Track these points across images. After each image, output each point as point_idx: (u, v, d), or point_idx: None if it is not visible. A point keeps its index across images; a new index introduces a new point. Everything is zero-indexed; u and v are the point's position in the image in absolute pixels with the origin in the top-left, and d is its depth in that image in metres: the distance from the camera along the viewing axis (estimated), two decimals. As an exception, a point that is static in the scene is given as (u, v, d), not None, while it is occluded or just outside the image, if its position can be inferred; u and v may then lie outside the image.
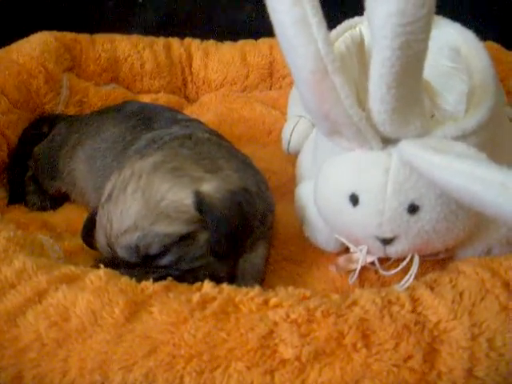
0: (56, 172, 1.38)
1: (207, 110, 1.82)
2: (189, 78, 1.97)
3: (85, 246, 1.07)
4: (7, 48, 1.58)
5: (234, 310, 0.79)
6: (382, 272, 0.99)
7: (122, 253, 0.90)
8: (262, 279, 1.07)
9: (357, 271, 0.98)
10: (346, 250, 1.04)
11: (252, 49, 1.96)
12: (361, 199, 0.86)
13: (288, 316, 0.79)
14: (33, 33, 1.66)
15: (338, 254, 1.09)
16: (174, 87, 1.91)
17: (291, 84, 1.84)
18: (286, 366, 0.74)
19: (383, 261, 0.99)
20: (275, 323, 0.78)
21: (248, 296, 0.82)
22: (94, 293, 0.79)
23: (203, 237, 0.91)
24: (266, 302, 0.82)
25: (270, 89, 1.98)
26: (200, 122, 1.37)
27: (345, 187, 0.88)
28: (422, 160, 0.76)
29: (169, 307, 0.78)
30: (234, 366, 0.73)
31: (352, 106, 0.77)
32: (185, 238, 0.90)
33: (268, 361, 0.74)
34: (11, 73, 1.46)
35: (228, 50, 1.97)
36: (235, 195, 0.93)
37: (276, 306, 0.81)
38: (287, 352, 0.75)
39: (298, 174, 1.30)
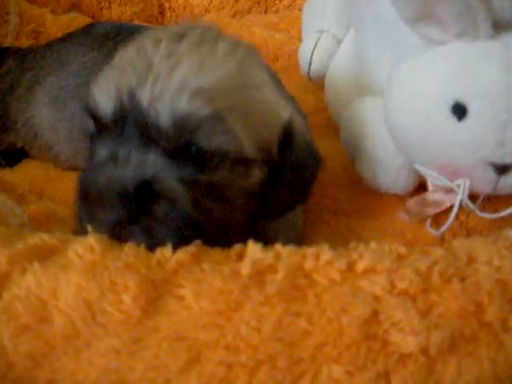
0: (7, 122, 1.10)
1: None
2: (166, 5, 1.67)
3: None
4: None
5: (309, 283, 0.53)
6: (481, 214, 0.71)
7: (159, 117, 0.60)
8: (303, 239, 0.83)
9: (452, 215, 0.71)
10: (416, 191, 0.81)
11: (239, -34, 1.68)
12: (470, 109, 0.65)
13: (393, 285, 0.53)
14: None
15: (399, 198, 0.83)
16: (149, 15, 1.64)
17: (289, 7, 1.61)
18: (407, 364, 0.48)
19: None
20: (377, 298, 0.51)
21: (322, 260, 0.53)
22: (86, 273, 0.50)
23: (256, 175, 0.67)
24: (350, 267, 0.54)
25: (265, 13, 1.69)
26: None
27: (443, 95, 0.67)
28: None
29: (208, 287, 0.50)
30: (327, 373, 0.47)
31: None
32: (242, 163, 0.65)
33: (379, 359, 0.48)
34: None
35: (211, -32, 1.68)
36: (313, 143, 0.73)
37: (367, 271, 0.53)
38: (406, 342, 0.48)
39: (332, 101, 1.03)
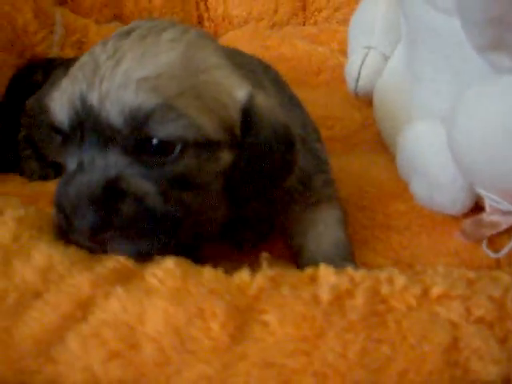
0: None
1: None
2: (205, 15, 1.68)
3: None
4: None
5: (387, 309, 0.53)
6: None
7: (110, 116, 0.60)
8: (352, 255, 0.80)
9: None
10: (472, 211, 0.81)
11: (278, -22, 1.65)
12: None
13: (470, 312, 0.53)
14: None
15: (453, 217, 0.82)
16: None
17: (328, 19, 1.61)
18: (488, 392, 0.47)
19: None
20: (454, 325, 0.52)
21: (397, 285, 0.54)
22: (172, 299, 0.50)
23: (226, 158, 0.65)
24: (425, 293, 0.55)
25: (304, 24, 1.68)
26: None
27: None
28: None
29: (291, 312, 0.50)
30: (412, 400, 0.46)
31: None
32: (207, 147, 0.63)
33: (461, 386, 0.47)
34: None
35: (249, -20, 1.66)
36: (288, 127, 0.69)
37: (441, 296, 0.54)
38: (487, 371, 0.48)
39: (382, 119, 1.02)
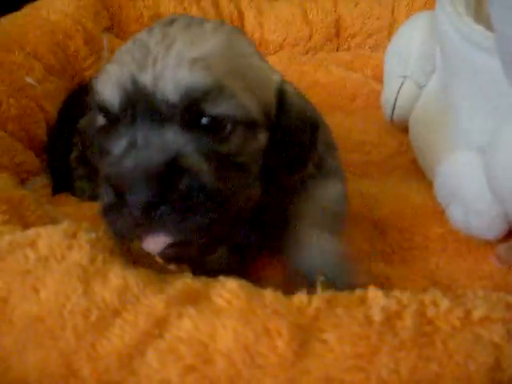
0: None
1: (273, 74, 1.54)
2: None
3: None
4: (34, 4, 1.31)
5: (434, 330, 0.58)
6: None
7: (166, 93, 0.62)
8: (347, 277, 0.77)
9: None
10: (506, 237, 0.85)
11: (313, 5, 1.70)
12: None
13: (510, 334, 0.56)
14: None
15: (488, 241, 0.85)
16: None
17: (361, 44, 1.66)
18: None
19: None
20: (497, 346, 0.56)
21: (442, 307, 0.59)
22: (240, 318, 0.56)
23: (263, 138, 0.70)
24: (467, 315, 0.59)
25: (337, 50, 1.73)
26: None
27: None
28: None
29: (347, 331, 0.56)
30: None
31: None
32: (251, 127, 0.68)
33: (505, 402, 0.51)
34: (44, 33, 1.20)
35: (284, 6, 1.72)
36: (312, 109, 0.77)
37: (483, 319, 0.58)
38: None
39: (419, 148, 1.06)
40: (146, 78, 0.63)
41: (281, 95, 0.72)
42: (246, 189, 0.69)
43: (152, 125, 0.63)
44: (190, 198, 0.61)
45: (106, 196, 0.63)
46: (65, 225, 0.69)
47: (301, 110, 0.73)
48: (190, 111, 0.63)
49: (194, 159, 0.63)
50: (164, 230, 0.63)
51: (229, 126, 0.65)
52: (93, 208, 1.01)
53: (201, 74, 0.62)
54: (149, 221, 0.61)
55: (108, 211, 0.63)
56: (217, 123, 0.64)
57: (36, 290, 0.62)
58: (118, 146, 0.65)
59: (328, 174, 0.86)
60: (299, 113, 0.73)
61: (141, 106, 0.63)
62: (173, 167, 0.61)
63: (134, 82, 0.63)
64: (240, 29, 0.80)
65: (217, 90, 0.63)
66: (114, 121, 0.66)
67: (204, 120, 0.64)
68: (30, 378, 0.58)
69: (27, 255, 0.66)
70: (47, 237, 0.66)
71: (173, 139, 0.62)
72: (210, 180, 0.63)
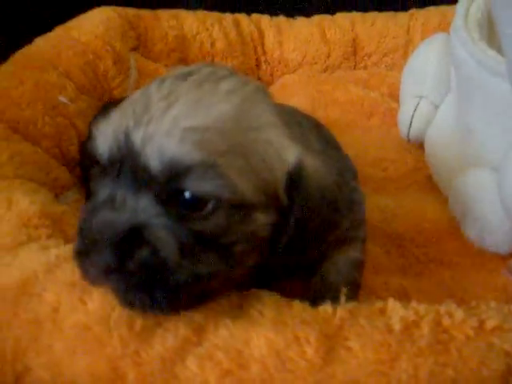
0: None
1: (293, 92, 1.60)
2: (262, 58, 1.76)
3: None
4: (65, 25, 1.36)
5: (449, 338, 0.62)
6: None
7: (149, 160, 0.59)
8: (354, 291, 0.85)
9: None
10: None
11: (331, 24, 1.75)
12: None
13: None
14: (84, 8, 1.45)
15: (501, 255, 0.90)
16: (247, 68, 1.71)
17: (377, 63, 1.70)
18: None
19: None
20: (508, 354, 0.60)
21: (457, 318, 0.64)
22: (272, 327, 0.61)
23: (260, 219, 0.64)
24: (481, 325, 0.64)
25: (354, 68, 1.78)
26: None
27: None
28: None
29: (369, 339, 0.61)
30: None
31: None
32: (241, 208, 0.61)
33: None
34: (75, 53, 1.25)
35: (303, 26, 1.76)
36: (334, 190, 0.70)
37: (495, 329, 0.63)
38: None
39: (435, 165, 1.11)
40: (137, 137, 0.59)
41: (296, 175, 0.65)
42: (226, 268, 0.64)
43: (133, 186, 0.60)
44: (147, 270, 0.58)
45: (77, 241, 0.62)
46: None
47: (322, 191, 0.66)
48: (170, 185, 0.59)
49: (160, 233, 0.59)
50: (120, 295, 0.62)
51: (210, 206, 0.60)
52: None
53: (190, 148, 0.58)
54: (107, 282, 0.61)
55: (77, 255, 0.62)
56: (197, 201, 0.59)
57: (83, 302, 0.67)
58: (102, 193, 0.63)
59: (343, 240, 0.86)
60: (319, 195, 0.66)
61: (127, 163, 0.60)
62: (134, 236, 0.58)
63: (127, 137, 0.60)
64: (264, 88, 0.71)
65: (203, 168, 0.58)
66: (104, 170, 0.64)
67: (184, 196, 0.59)
68: (79, 380, 0.64)
69: (73, 268, 0.72)
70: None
71: (144, 208, 0.59)
72: (172, 257, 0.59)
